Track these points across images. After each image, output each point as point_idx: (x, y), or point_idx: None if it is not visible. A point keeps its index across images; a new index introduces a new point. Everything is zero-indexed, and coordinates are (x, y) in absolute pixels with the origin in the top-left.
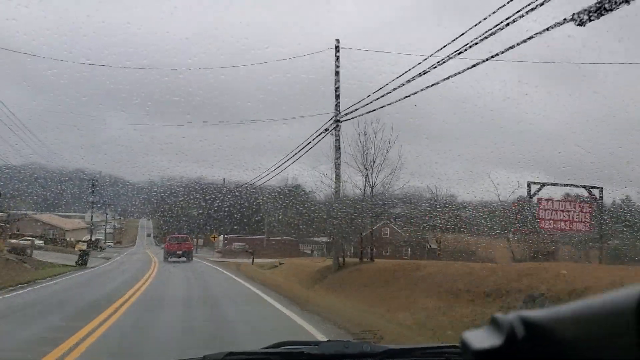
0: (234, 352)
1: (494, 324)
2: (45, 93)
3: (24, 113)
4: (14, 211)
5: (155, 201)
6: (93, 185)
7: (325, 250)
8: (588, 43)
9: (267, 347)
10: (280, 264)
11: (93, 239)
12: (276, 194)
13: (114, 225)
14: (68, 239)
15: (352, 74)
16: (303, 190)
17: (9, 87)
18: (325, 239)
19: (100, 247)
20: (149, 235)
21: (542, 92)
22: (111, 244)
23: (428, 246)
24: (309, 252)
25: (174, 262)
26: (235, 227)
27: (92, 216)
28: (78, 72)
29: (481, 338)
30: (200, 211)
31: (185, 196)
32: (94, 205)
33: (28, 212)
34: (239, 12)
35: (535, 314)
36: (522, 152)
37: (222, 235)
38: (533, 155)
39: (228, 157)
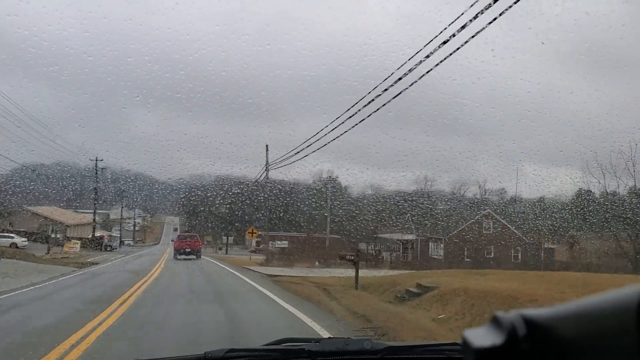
0: (235, 349)
1: (495, 322)
2: (69, 90)
3: (47, 112)
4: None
5: (183, 198)
6: (96, 176)
7: (401, 252)
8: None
9: (268, 344)
10: (425, 288)
11: (98, 235)
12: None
13: (134, 222)
14: (58, 236)
15: None
16: (339, 184)
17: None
18: (400, 237)
19: (109, 245)
20: (175, 229)
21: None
22: (130, 242)
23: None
24: (373, 253)
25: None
26: (264, 224)
27: (94, 211)
28: (80, 68)
29: (482, 336)
30: (229, 207)
31: (214, 193)
32: (97, 200)
33: (26, 206)
34: (239, 8)
35: (536, 312)
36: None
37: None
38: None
39: (256, 153)
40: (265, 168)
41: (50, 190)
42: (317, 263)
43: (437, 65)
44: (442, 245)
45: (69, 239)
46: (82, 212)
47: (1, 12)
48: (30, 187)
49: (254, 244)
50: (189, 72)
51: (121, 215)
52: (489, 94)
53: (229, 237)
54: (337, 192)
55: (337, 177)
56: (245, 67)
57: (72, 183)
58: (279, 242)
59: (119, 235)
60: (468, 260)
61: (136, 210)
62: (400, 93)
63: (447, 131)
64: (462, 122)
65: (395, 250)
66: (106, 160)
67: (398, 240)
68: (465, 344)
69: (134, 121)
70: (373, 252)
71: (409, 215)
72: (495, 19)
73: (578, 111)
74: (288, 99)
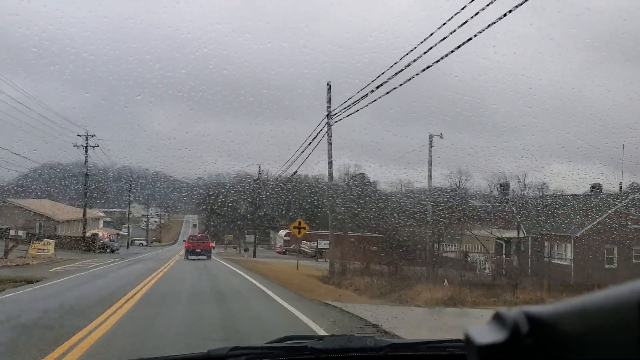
0: (238, 347)
1: (498, 319)
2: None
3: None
4: None
5: (202, 197)
6: (86, 152)
7: (503, 255)
8: None
9: (271, 342)
10: None
11: (93, 233)
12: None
13: (147, 219)
14: (20, 234)
15: None
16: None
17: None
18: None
19: (108, 246)
20: (194, 225)
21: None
22: (143, 241)
23: None
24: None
25: None
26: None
27: (84, 207)
28: (81, 67)
29: (485, 333)
30: (251, 203)
31: (234, 190)
32: (86, 197)
33: (10, 198)
34: (240, 6)
35: (538, 309)
36: (582, 144)
37: (282, 232)
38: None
39: (258, 151)
40: (326, 118)
41: (53, 189)
42: (445, 282)
43: (436, 62)
44: (569, 245)
45: (37, 237)
46: (89, 209)
47: (2, 11)
48: (75, 188)
49: (281, 243)
50: (189, 71)
51: (128, 211)
52: (491, 90)
53: (247, 235)
54: (367, 186)
55: (363, 172)
56: (246, 65)
57: (75, 181)
58: (323, 242)
59: (128, 234)
60: (610, 267)
61: (153, 208)
62: (402, 84)
63: (449, 128)
64: (463, 118)
65: (490, 253)
66: (151, 161)
67: (498, 239)
68: (468, 341)
69: (136, 120)
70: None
71: (509, 205)
72: (507, 13)
73: (581, 107)
74: (289, 96)
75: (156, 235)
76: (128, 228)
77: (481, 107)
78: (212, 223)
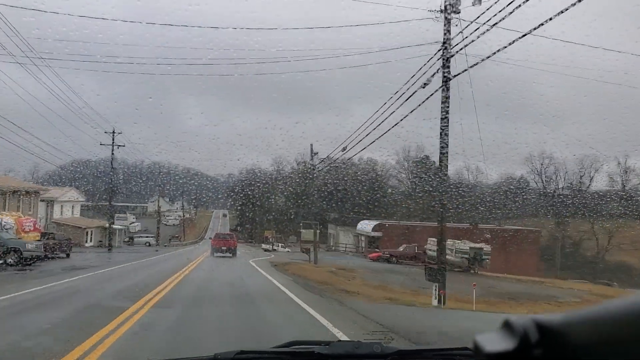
0: (245, 351)
1: (507, 327)
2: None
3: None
4: None
5: (236, 188)
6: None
7: None
8: None
9: (278, 346)
10: None
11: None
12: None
13: (158, 211)
14: None
15: None
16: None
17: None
18: None
19: (16, 254)
20: (224, 215)
21: None
22: (150, 239)
23: None
24: None
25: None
26: (344, 215)
27: None
28: (93, 69)
29: (494, 341)
30: (287, 199)
31: (267, 184)
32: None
33: None
34: (249, 10)
35: (549, 317)
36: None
37: (364, 223)
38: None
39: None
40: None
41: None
42: None
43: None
44: None
45: None
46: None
47: (17, 13)
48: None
49: (356, 242)
50: (197, 77)
51: (109, 199)
52: (541, 79)
53: (303, 230)
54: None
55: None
56: (254, 71)
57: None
58: (429, 241)
59: (122, 228)
60: None
61: (178, 202)
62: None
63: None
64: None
65: None
66: (181, 158)
67: None
68: (477, 349)
69: (146, 123)
70: None
71: None
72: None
73: None
74: (297, 102)
75: (179, 232)
76: (110, 221)
77: (532, 97)
78: (249, 215)
